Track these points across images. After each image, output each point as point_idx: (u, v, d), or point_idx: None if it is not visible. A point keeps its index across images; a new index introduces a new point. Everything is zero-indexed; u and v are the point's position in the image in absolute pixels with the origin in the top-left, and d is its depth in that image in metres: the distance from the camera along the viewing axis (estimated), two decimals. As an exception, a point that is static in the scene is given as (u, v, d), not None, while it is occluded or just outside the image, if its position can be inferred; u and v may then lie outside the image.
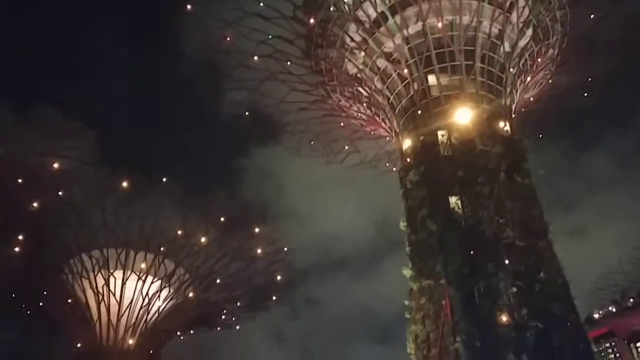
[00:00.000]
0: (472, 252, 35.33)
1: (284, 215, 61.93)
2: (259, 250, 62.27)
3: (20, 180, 51.05)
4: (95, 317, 59.51)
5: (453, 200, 37.77)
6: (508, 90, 42.55)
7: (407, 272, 38.02)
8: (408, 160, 41.71)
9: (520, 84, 44.50)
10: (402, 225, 40.17)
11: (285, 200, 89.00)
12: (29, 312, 64.31)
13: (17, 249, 55.59)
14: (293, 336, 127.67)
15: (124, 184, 54.66)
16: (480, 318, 33.50)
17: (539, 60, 45.06)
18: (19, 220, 53.62)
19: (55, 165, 51.85)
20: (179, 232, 57.89)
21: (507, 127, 41.50)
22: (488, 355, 32.45)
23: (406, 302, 37.69)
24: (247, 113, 53.14)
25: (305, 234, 66.98)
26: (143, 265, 59.12)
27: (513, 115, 43.25)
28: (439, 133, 40.47)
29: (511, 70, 42.74)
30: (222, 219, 59.04)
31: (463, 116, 40.14)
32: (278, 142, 59.00)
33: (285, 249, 63.34)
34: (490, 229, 36.32)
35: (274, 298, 69.49)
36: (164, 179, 56.21)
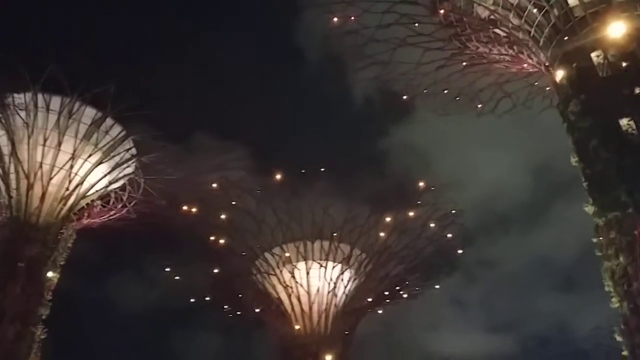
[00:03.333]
0: (657, 173, 32.42)
1: (438, 182, 61.05)
2: (427, 218, 62.30)
3: (196, 200, 56.53)
4: (288, 309, 63.38)
5: (624, 122, 34.66)
6: (665, -12, 38.11)
7: (589, 208, 35.29)
8: (565, 91, 39.15)
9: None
10: (574, 160, 37.44)
11: (435, 168, 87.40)
12: (230, 315, 70.71)
13: (209, 261, 61.47)
14: (473, 300, 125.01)
15: (285, 182, 57.65)
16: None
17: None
18: (205, 236, 59.12)
19: (224, 180, 56.40)
20: (346, 217, 59.88)
21: (671, 30, 37.23)
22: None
23: (594, 240, 35.23)
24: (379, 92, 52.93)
25: (463, 197, 65.26)
26: (322, 253, 62.15)
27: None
28: (593, 55, 37.35)
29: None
30: (382, 197, 59.91)
31: (616, 30, 36.38)
32: (418, 110, 58.25)
33: (453, 211, 62.57)
34: (674, 143, 33.07)
35: (450, 262, 69.02)
36: (322, 169, 58.10)
